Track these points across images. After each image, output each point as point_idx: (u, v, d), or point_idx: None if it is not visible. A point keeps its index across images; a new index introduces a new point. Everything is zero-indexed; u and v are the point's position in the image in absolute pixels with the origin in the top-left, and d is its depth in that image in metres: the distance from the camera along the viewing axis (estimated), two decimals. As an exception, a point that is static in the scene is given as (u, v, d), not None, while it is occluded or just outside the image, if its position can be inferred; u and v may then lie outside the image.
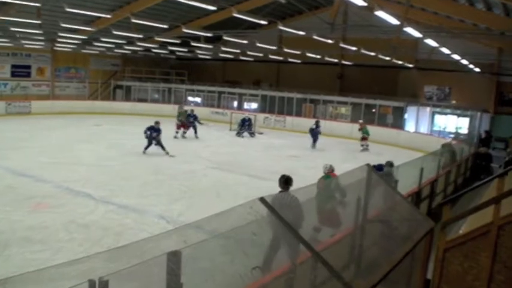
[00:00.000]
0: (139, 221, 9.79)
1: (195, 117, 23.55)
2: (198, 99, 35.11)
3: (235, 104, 33.12)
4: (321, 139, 22.21)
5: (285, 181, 6.81)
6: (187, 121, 23.07)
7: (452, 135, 24.86)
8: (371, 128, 23.58)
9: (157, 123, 17.98)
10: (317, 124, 22.47)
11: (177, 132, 22.46)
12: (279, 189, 6.73)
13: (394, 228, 6.12)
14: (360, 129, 22.58)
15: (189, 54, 33.16)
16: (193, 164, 16.27)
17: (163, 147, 17.73)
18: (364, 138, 22.24)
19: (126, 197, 11.51)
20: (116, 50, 31.48)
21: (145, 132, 17.78)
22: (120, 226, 9.32)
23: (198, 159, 17.16)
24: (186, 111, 23.43)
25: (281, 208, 5.56)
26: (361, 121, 23.83)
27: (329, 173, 9.31)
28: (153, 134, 17.76)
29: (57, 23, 18.88)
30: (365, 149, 21.89)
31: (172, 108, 31.07)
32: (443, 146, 15.32)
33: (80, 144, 18.76)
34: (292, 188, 6.60)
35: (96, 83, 33.45)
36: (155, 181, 13.40)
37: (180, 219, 9.88)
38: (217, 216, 3.63)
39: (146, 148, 17.70)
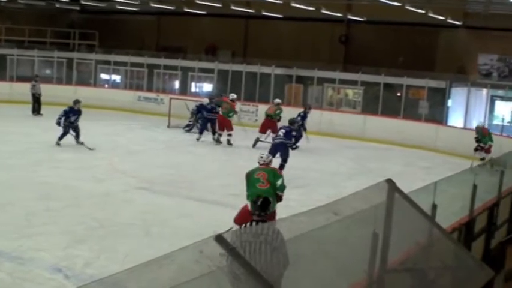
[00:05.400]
0: (21, 275, 9.65)
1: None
2: (117, 77, 34.91)
3: (177, 84, 33.01)
4: (318, 140, 22.32)
5: (262, 205, 6.83)
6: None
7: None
8: (394, 122, 23.81)
9: (77, 102, 20.34)
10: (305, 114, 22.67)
11: (220, 135, 22.97)
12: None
13: (430, 281, 6.19)
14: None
15: (101, 5, 33.00)
16: (108, 181, 16.15)
17: (78, 136, 19.94)
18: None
19: (-2, 237, 11.37)
20: (-20, -3, 31.16)
21: (59, 119, 19.71)
22: (-11, 284, 9.20)
23: (117, 174, 17.11)
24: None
25: (255, 249, 5.56)
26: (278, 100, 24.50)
27: None
28: (72, 118, 19.74)
29: None
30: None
31: (73, 93, 30.89)
32: None
33: None
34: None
35: None
36: (46, 210, 13.20)
37: (86, 272, 9.78)
38: (147, 266, 3.62)
39: (61, 138, 19.77)
